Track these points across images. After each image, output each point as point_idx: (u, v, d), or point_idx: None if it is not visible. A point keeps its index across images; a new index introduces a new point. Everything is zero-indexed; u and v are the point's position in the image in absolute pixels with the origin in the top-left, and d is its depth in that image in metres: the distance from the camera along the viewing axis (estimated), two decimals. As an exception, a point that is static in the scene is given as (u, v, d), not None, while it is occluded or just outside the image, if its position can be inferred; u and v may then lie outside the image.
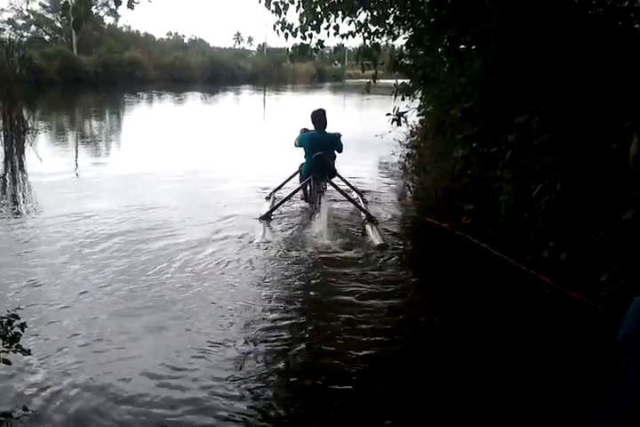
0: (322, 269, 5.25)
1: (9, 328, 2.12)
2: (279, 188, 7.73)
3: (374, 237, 6.05)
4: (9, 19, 48.85)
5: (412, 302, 4.74)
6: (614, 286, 4.12)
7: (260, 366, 3.52)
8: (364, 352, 3.73)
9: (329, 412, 3.12)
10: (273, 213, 6.85)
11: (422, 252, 6.28)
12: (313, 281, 5.02)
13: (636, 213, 3.78)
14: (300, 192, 7.42)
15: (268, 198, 7.55)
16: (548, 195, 4.87)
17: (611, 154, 4.20)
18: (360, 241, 6.08)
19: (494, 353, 3.85)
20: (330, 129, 7.36)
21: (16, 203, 7.53)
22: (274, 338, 3.91)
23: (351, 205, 7.15)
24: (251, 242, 5.88)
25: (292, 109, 16.74)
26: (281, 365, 3.57)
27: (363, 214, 6.82)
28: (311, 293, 4.82)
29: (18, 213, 7.03)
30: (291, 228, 6.58)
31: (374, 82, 8.49)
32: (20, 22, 50.06)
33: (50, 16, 49.08)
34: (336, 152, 7.31)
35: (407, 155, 10.98)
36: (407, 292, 4.92)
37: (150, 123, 18.24)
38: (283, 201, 7.09)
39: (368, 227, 6.42)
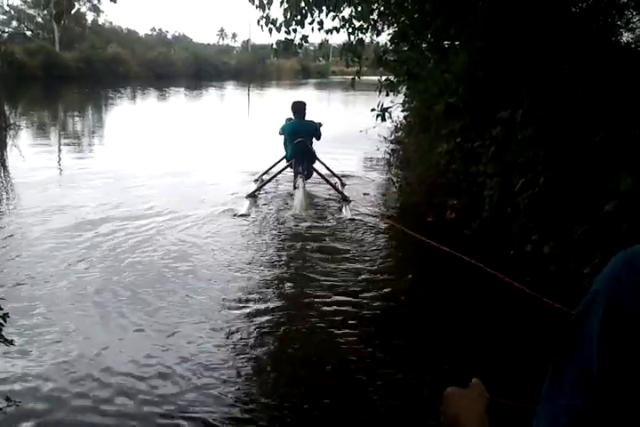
0: (297, 238, 5.89)
1: (-9, 319, 2.10)
2: (266, 172, 8.43)
3: (346, 213, 6.86)
4: (-11, 14, 48.28)
5: (379, 268, 5.19)
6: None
7: (246, 332, 3.85)
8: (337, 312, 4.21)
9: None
10: (259, 192, 7.72)
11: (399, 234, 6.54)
12: (288, 248, 5.62)
13: (617, 204, 3.81)
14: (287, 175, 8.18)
15: (256, 181, 8.32)
16: (531, 189, 4.90)
17: (593, 147, 4.23)
18: (333, 215, 6.85)
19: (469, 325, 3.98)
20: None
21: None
22: (252, 305, 4.29)
23: (330, 188, 7.86)
24: (235, 215, 6.60)
25: (277, 105, 16.75)
26: (264, 327, 3.94)
27: (338, 194, 7.66)
28: (286, 259, 5.34)
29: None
30: (273, 204, 7.36)
31: (359, 78, 8.51)
32: (1, 17, 49.52)
33: (31, 11, 48.54)
34: (315, 139, 8.02)
35: (392, 150, 11.00)
36: (378, 260, 5.37)
37: (133, 119, 18.11)
38: (267, 182, 7.95)
39: (342, 205, 7.25)
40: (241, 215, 6.60)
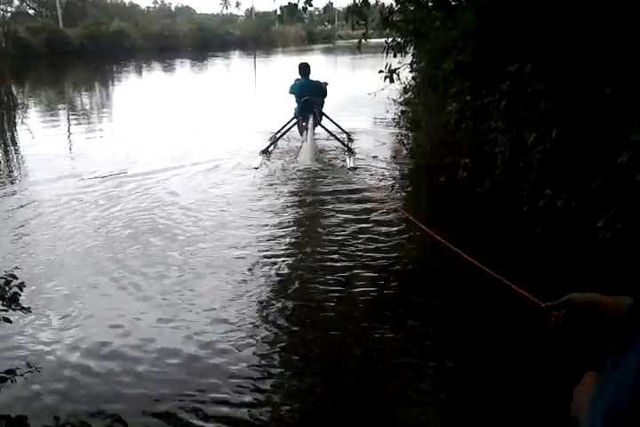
0: (302, 189, 6.62)
1: (7, 289, 2.13)
2: (279, 131, 8.90)
3: (349, 162, 7.67)
4: (-9, -7, 47.90)
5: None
6: (611, 231, 4.12)
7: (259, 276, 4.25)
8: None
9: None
10: (272, 148, 8.45)
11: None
12: (293, 198, 6.27)
13: (631, 156, 3.76)
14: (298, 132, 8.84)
15: (270, 139, 8.87)
16: (543, 143, 4.84)
17: (604, 98, 4.16)
18: (337, 166, 7.63)
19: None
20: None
21: (9, 175, 7.52)
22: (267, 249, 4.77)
23: (338, 144, 8.49)
24: (248, 168, 7.42)
25: (283, 71, 16.66)
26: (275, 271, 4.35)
27: (344, 147, 8.40)
28: (290, 210, 5.93)
29: (11, 182, 7.11)
30: (283, 158, 8.09)
31: (365, 40, 8.38)
32: (3, -3, 49.09)
33: (33, -11, 48.07)
34: (321, 97, 8.67)
35: (401, 112, 10.89)
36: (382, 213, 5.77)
37: (141, 92, 18.07)
38: (278, 139, 8.73)
39: (346, 156, 8.03)
40: (255, 168, 7.42)
